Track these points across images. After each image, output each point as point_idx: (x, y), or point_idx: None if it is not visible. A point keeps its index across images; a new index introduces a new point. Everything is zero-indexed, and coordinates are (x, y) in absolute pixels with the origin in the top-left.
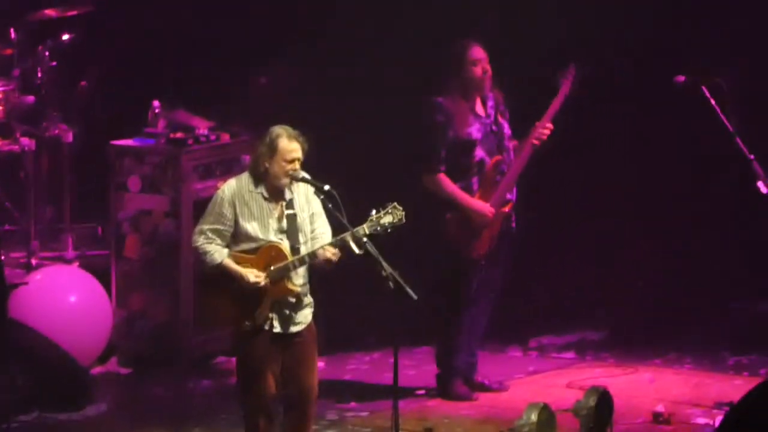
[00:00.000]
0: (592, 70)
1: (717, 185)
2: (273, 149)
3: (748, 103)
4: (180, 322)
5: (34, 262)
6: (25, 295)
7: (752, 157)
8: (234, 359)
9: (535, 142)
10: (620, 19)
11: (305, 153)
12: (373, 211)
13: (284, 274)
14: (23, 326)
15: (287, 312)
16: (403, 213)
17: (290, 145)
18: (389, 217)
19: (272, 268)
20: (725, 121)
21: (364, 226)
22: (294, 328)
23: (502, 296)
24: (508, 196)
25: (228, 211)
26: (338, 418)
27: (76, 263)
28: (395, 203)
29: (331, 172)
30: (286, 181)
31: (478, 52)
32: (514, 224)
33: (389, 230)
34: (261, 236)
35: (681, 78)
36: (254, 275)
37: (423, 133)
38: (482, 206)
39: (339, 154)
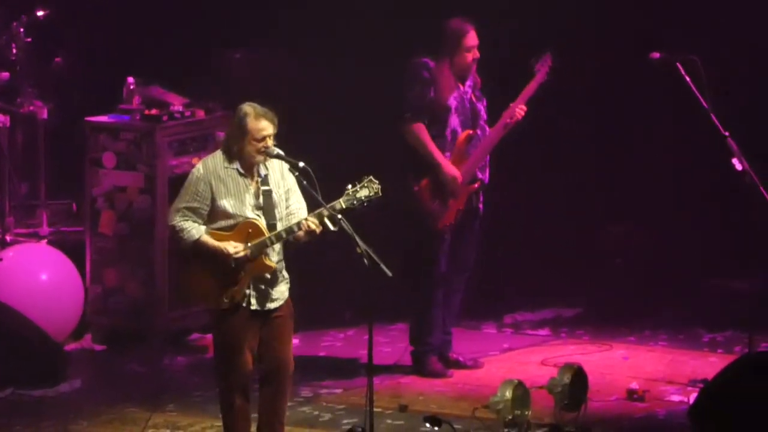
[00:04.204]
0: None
1: (692, 163)
2: (243, 130)
3: (724, 79)
4: (155, 299)
5: (8, 238)
6: None
7: (726, 133)
8: (209, 336)
9: (509, 120)
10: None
11: (277, 127)
12: (349, 186)
13: (261, 250)
14: None
15: (264, 288)
16: (379, 186)
17: (259, 124)
18: (365, 190)
19: (249, 244)
20: (700, 97)
21: (341, 200)
22: (271, 305)
23: (475, 275)
24: (479, 174)
25: (203, 189)
26: (312, 395)
27: (45, 240)
28: (371, 177)
29: (307, 146)
30: (260, 158)
31: (472, 39)
32: (481, 205)
33: (365, 204)
34: (238, 212)
35: (656, 54)
36: (233, 247)
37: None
38: (452, 169)
39: (315, 128)
